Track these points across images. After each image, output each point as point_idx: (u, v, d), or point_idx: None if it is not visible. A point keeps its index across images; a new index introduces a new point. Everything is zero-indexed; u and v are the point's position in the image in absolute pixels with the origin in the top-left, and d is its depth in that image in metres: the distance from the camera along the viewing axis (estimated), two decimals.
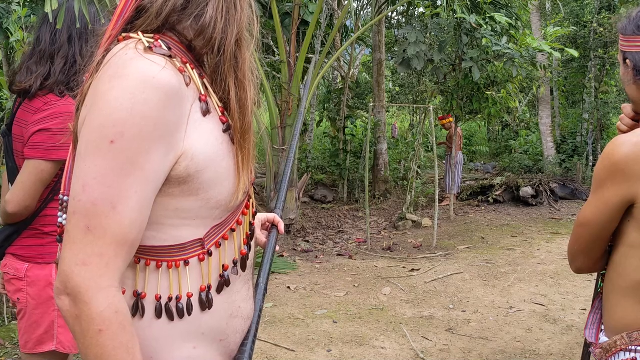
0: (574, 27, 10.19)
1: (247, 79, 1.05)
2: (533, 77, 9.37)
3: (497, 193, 9.37)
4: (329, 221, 8.31)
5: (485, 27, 6.88)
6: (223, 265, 1.04)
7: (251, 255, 1.13)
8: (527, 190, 9.13)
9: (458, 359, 3.75)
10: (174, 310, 0.99)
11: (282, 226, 1.34)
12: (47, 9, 2.04)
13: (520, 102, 13.02)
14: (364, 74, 14.72)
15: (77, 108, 1.00)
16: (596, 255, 1.49)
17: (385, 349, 3.90)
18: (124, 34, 0.99)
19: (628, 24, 1.46)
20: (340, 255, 6.64)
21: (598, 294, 1.57)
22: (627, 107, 1.57)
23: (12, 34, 4.01)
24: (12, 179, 1.91)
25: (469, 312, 4.61)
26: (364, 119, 11.23)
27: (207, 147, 0.97)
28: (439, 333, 4.18)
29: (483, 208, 9.16)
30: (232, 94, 1.03)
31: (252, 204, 1.14)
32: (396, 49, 10.11)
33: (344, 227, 8.09)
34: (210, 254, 1.01)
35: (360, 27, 9.65)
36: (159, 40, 0.97)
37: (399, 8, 9.57)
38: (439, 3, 7.70)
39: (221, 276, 1.03)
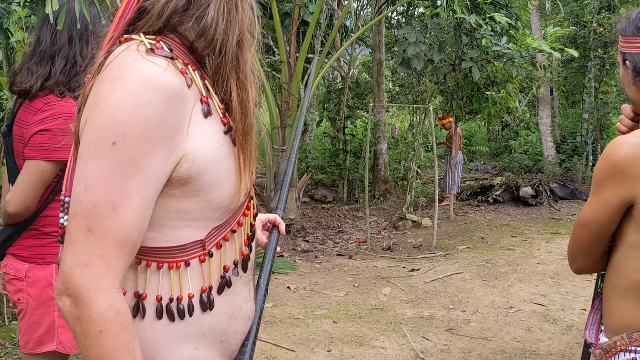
0: (574, 27, 10.19)
1: (248, 80, 1.06)
2: (533, 77, 9.37)
3: (497, 193, 9.37)
4: (329, 221, 8.31)
5: (485, 27, 6.89)
6: (224, 267, 1.04)
7: (252, 256, 1.13)
8: (527, 191, 9.13)
9: (458, 359, 3.76)
10: (175, 311, 0.99)
11: (283, 227, 1.34)
12: (48, 10, 2.04)
13: (520, 102, 13.02)
14: (364, 74, 14.71)
15: (79, 109, 1.01)
16: (596, 255, 1.49)
17: (386, 349, 3.90)
18: (125, 36, 0.99)
19: (628, 26, 1.46)
20: (340, 255, 6.64)
21: (598, 295, 1.58)
22: (626, 108, 1.57)
23: (12, 35, 4.02)
24: (12, 180, 1.91)
25: (469, 312, 4.61)
26: (364, 119, 11.24)
27: (208, 149, 0.97)
28: (439, 333, 4.18)
29: (483, 208, 9.16)
30: (233, 95, 1.03)
31: (254, 205, 1.14)
32: (396, 49, 10.12)
33: (344, 227, 8.09)
34: (211, 255, 1.02)
35: (360, 28, 9.65)
36: (161, 42, 0.97)
37: (399, 8, 9.57)
38: (439, 3, 7.70)
39: (222, 277, 1.03)
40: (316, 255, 6.58)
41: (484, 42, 6.97)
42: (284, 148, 7.06)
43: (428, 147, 11.04)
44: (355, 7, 10.54)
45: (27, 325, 1.91)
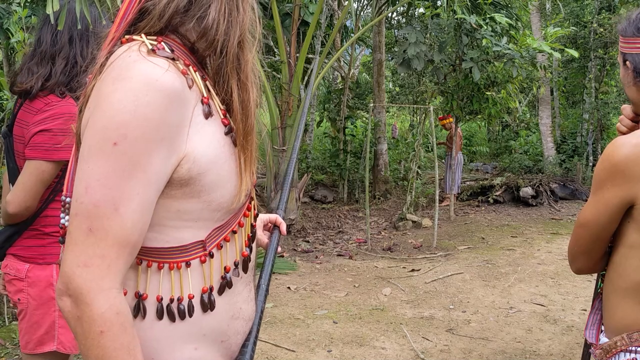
0: (574, 28, 10.19)
1: (249, 80, 1.06)
2: (533, 77, 9.37)
3: (497, 193, 9.37)
4: (329, 221, 8.31)
5: (486, 27, 6.89)
6: (225, 267, 1.04)
7: (252, 257, 1.13)
8: (527, 191, 9.13)
9: (458, 359, 3.76)
10: (176, 311, 0.99)
11: (284, 227, 1.35)
12: (49, 10, 2.04)
13: (520, 103, 13.02)
14: (364, 74, 14.72)
15: (79, 110, 1.01)
16: (596, 255, 1.49)
17: (386, 349, 3.91)
18: (127, 36, 0.99)
19: (628, 26, 1.46)
20: (340, 255, 6.64)
21: (598, 295, 1.58)
22: (626, 108, 1.58)
23: (12, 35, 4.02)
24: (13, 180, 1.91)
25: (469, 312, 4.61)
26: (364, 119, 11.24)
27: (209, 149, 0.97)
28: (439, 333, 4.18)
29: (483, 208, 9.16)
30: (234, 96, 1.03)
31: (254, 205, 1.14)
32: (396, 49, 10.12)
33: (344, 228, 8.09)
34: (211, 255, 1.02)
35: (360, 28, 9.66)
36: (162, 43, 0.97)
37: (399, 8, 9.58)
38: (439, 3, 7.71)
39: (223, 278, 1.04)
40: (316, 256, 6.58)
41: (484, 42, 6.97)
42: (284, 148, 7.07)
43: (428, 147, 11.04)
44: (355, 7, 10.54)
45: (27, 325, 1.91)
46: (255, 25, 1.09)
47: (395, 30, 11.85)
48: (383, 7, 8.87)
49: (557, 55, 6.85)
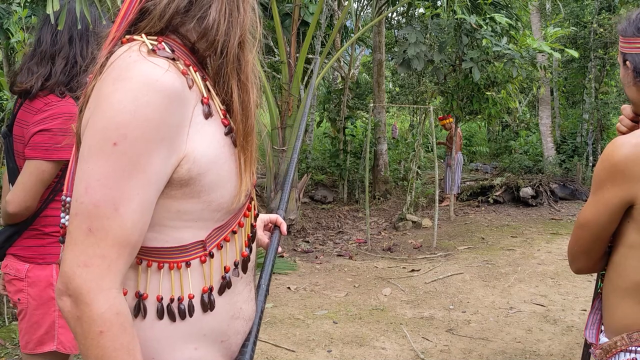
0: (574, 28, 10.19)
1: (249, 81, 1.06)
2: (533, 77, 9.37)
3: (497, 193, 9.37)
4: (329, 221, 8.31)
5: (485, 27, 6.89)
6: (224, 267, 1.04)
7: (252, 257, 1.13)
8: (527, 191, 9.13)
9: (458, 359, 3.76)
10: (176, 311, 0.99)
11: (284, 227, 1.35)
12: (49, 10, 2.04)
13: (520, 103, 13.02)
14: (364, 74, 14.72)
15: (80, 110, 1.01)
16: (596, 255, 1.49)
17: (386, 349, 3.91)
18: (127, 36, 0.99)
19: (628, 26, 1.47)
20: (340, 255, 6.64)
21: (598, 295, 1.58)
22: (626, 108, 1.58)
23: (12, 35, 4.02)
24: (12, 180, 1.91)
25: (469, 312, 4.61)
26: (364, 119, 11.24)
27: (209, 149, 0.97)
28: (439, 333, 4.18)
29: (483, 208, 9.16)
30: (234, 96, 1.03)
31: (254, 205, 1.14)
32: (396, 50, 10.11)
33: (344, 228, 8.09)
34: (211, 255, 1.02)
35: (360, 28, 9.66)
36: (162, 43, 0.97)
37: (399, 8, 9.58)
38: (439, 3, 7.71)
39: (223, 278, 1.04)
40: (316, 256, 6.58)
41: (484, 42, 6.97)
42: (284, 148, 7.07)
43: (428, 148, 11.04)
44: (355, 7, 10.54)
45: (27, 325, 1.91)
46: (256, 26, 1.09)
47: (395, 31, 11.85)
48: (383, 7, 8.87)
49: (557, 55, 6.86)
